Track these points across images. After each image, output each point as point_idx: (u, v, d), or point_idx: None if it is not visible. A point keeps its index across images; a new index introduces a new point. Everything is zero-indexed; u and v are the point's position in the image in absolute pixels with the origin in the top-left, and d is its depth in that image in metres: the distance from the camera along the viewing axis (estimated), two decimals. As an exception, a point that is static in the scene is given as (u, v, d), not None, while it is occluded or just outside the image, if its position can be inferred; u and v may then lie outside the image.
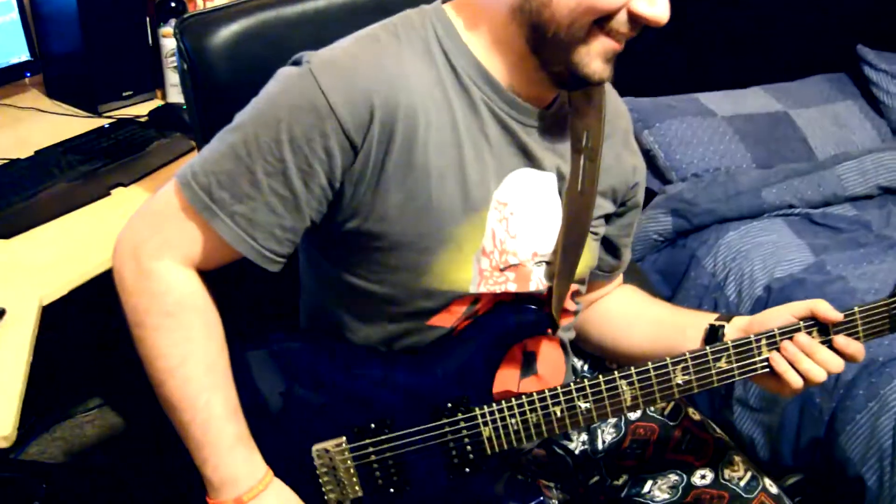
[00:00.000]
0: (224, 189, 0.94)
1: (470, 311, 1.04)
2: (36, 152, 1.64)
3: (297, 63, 0.97)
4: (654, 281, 2.17)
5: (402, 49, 0.97)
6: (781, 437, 1.77)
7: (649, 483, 1.19)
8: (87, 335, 2.17)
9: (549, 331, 1.10)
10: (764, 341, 1.04)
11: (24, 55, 1.84)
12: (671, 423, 1.23)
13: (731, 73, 2.55)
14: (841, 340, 1.03)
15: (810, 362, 1.02)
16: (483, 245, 1.01)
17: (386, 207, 0.96)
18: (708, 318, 1.15)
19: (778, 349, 1.04)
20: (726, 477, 1.18)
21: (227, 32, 1.20)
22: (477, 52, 0.99)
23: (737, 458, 1.21)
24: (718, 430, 1.26)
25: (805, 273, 1.90)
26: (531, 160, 1.03)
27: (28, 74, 1.89)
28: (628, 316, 1.26)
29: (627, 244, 1.25)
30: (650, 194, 2.30)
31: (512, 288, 1.04)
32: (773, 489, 1.21)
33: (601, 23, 0.92)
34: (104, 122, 1.80)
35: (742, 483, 1.18)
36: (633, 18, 0.92)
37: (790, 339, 1.03)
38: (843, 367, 1.04)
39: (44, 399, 2.10)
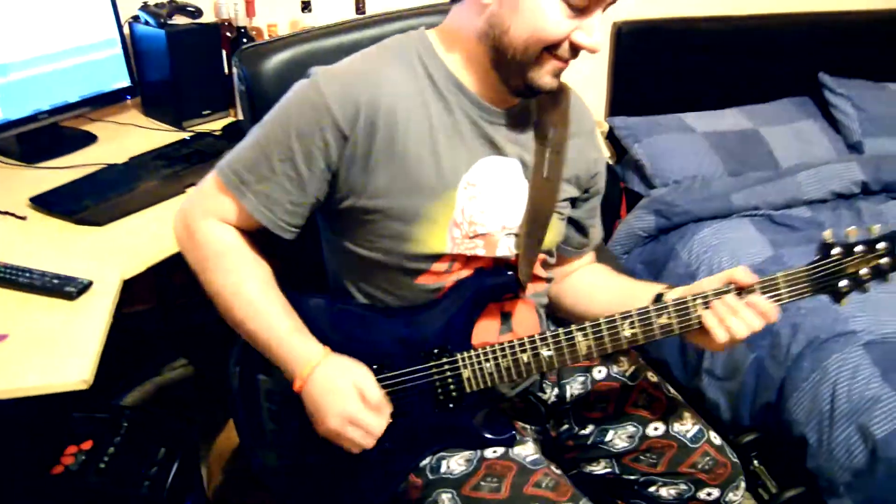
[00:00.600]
0: (250, 172, 1.00)
1: (448, 269, 1.05)
2: (130, 158, 1.66)
3: (308, 75, 1.02)
4: (638, 271, 2.14)
5: (390, 62, 1.02)
6: (740, 402, 1.74)
7: (611, 432, 1.18)
8: (173, 306, 2.22)
9: (522, 293, 1.10)
10: (699, 301, 1.02)
11: (125, 81, 1.87)
12: (630, 383, 1.21)
13: (712, 98, 2.51)
14: (752, 298, 1.01)
15: (734, 319, 1.00)
16: (454, 217, 1.03)
17: (374, 187, 1.00)
18: (657, 288, 1.13)
19: (709, 308, 1.01)
20: (675, 429, 1.16)
21: (276, 60, 1.22)
22: (451, 66, 1.02)
23: (686, 414, 1.19)
24: (672, 391, 1.23)
25: (764, 264, 1.85)
26: (497, 149, 1.05)
27: (128, 97, 1.92)
28: (594, 287, 1.25)
29: (594, 224, 1.25)
30: (637, 197, 2.28)
31: (481, 252, 1.06)
32: (717, 441, 1.18)
33: (549, 49, 0.95)
34: (186, 135, 1.82)
35: (689, 435, 1.16)
36: (574, 46, 0.96)
37: (719, 299, 1.01)
38: (762, 326, 1.01)
39: (141, 358, 2.15)
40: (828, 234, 1.01)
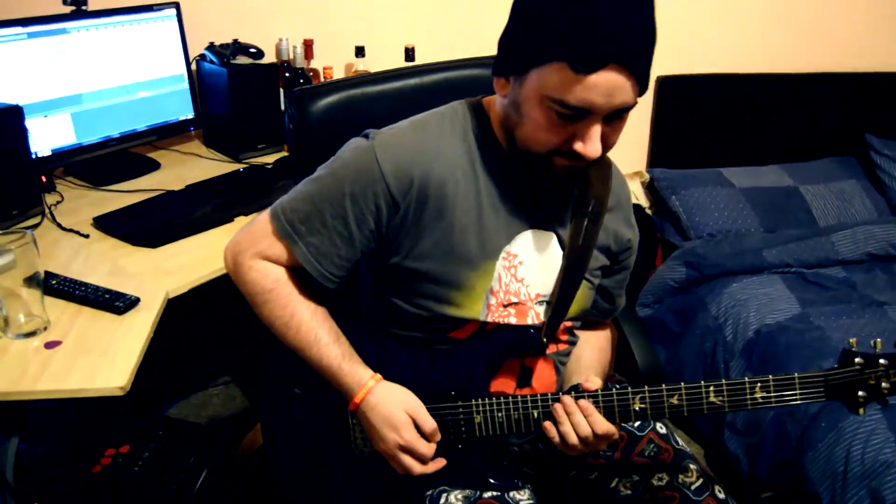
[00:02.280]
0: (302, 224, 1.05)
1: (480, 329, 1.10)
2: (186, 186, 1.76)
3: (365, 136, 1.06)
4: (668, 321, 2.14)
5: (444, 133, 1.06)
6: (759, 457, 1.73)
7: (616, 480, 1.19)
8: (222, 328, 2.28)
9: (532, 352, 1.13)
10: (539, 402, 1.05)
11: (189, 114, 1.99)
12: (638, 433, 1.22)
13: (754, 153, 2.52)
14: (583, 403, 1.03)
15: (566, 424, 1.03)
16: (492, 286, 1.07)
17: (419, 250, 1.04)
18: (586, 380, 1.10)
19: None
20: (680, 481, 1.17)
21: (323, 103, 1.29)
22: (500, 138, 1.05)
23: (692, 467, 1.19)
24: (681, 442, 1.24)
25: (790, 322, 1.84)
26: (538, 222, 1.09)
27: (192, 128, 2.02)
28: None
29: (620, 294, 1.27)
30: (673, 247, 2.29)
31: (513, 321, 1.10)
32: (721, 495, 1.17)
33: (555, 152, 0.97)
34: (241, 166, 1.91)
35: (693, 487, 1.16)
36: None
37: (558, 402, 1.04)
38: (589, 432, 1.02)
39: (186, 374, 2.24)
40: (853, 342, 0.99)
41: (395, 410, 1.04)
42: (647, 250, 2.35)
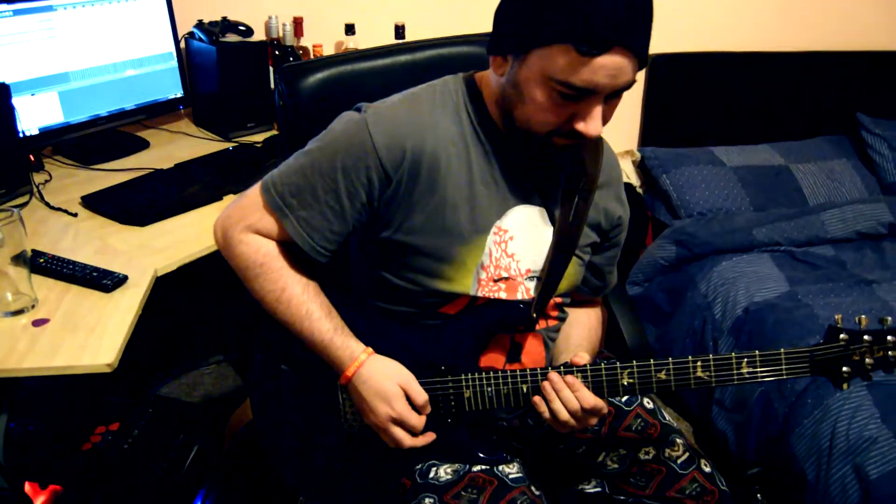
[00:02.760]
0: (293, 197, 1.03)
1: (470, 304, 1.10)
2: (175, 165, 1.75)
3: (357, 109, 1.05)
4: (659, 299, 2.15)
5: (436, 107, 1.05)
6: (747, 434, 1.74)
7: (603, 454, 1.20)
8: (217, 307, 2.27)
9: (522, 327, 1.12)
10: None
11: (179, 93, 1.97)
12: (626, 408, 1.23)
13: (746, 132, 2.51)
14: (570, 378, 1.04)
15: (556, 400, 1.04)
16: (482, 261, 1.07)
17: (411, 224, 1.03)
18: (580, 352, 1.12)
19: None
20: (666, 455, 1.18)
21: (313, 79, 1.28)
22: (493, 113, 1.05)
23: (678, 441, 1.20)
24: (667, 418, 1.25)
25: (778, 300, 1.85)
26: (529, 198, 1.08)
27: (181, 107, 2.01)
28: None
29: (611, 271, 1.27)
30: (663, 226, 2.29)
31: (503, 296, 1.10)
32: (707, 469, 1.19)
33: (554, 132, 0.97)
34: (230, 145, 1.90)
35: (679, 461, 1.18)
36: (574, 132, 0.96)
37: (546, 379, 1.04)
38: (578, 406, 1.03)
39: (177, 354, 2.23)
40: (838, 319, 1.00)
41: (387, 383, 1.04)
42: (638, 229, 2.35)
